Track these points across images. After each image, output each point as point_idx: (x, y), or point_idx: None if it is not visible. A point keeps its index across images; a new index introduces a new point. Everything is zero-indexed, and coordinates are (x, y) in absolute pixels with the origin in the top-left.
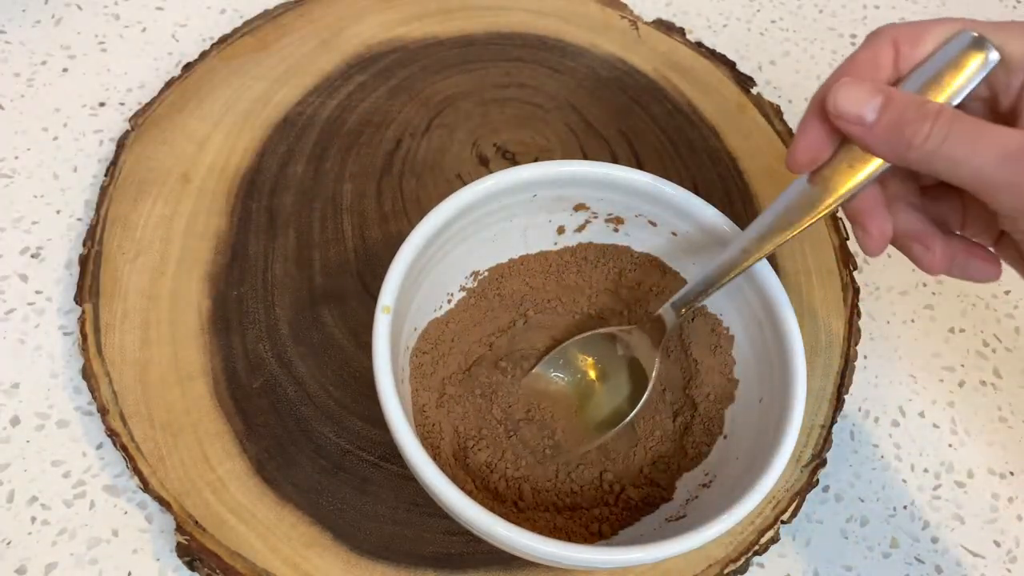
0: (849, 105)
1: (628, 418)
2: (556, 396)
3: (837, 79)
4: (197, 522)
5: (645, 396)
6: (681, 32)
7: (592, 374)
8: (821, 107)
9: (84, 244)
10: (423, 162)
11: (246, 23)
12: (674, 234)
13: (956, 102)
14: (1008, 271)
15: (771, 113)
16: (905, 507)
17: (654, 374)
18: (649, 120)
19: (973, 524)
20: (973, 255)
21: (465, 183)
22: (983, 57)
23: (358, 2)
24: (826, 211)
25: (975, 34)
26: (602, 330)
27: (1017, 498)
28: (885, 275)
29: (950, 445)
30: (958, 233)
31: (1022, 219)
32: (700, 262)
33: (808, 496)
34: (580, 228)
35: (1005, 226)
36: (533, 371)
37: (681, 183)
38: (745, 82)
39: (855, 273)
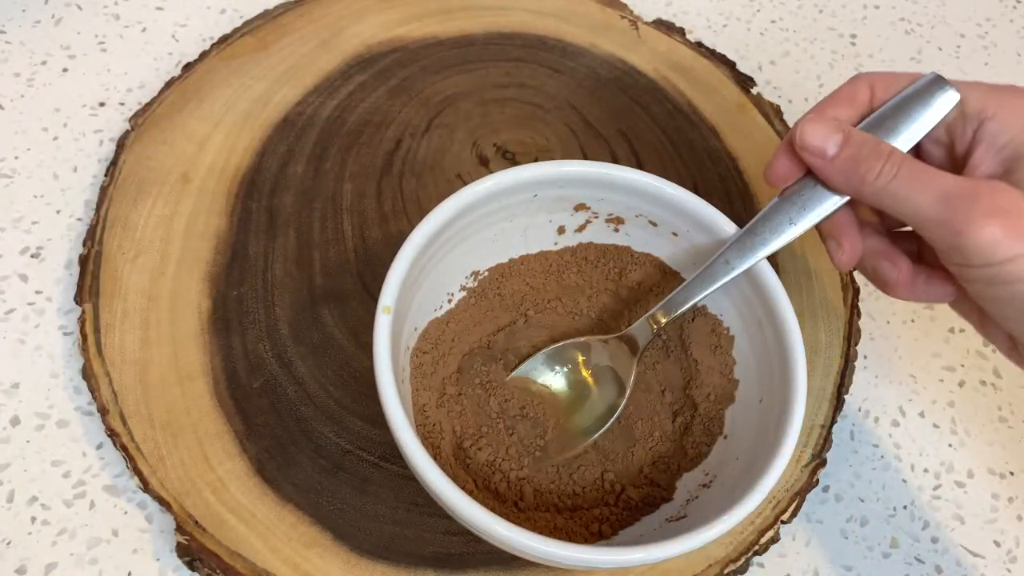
0: (813, 139)
1: (607, 425)
2: (544, 396)
3: (816, 111)
4: (197, 522)
5: (621, 406)
6: (681, 32)
7: (576, 380)
8: (792, 136)
9: (84, 244)
10: (423, 162)
11: (246, 23)
12: (674, 234)
13: (922, 132)
14: None
15: (771, 113)
16: (905, 507)
17: (631, 382)
18: (649, 120)
19: (973, 524)
20: (934, 276)
21: (465, 183)
22: (944, 94)
23: (358, 2)
24: (803, 231)
25: (939, 74)
26: (580, 339)
27: (1017, 498)
28: None
29: (950, 445)
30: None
31: (953, 254)
32: (700, 262)
33: (808, 496)
34: (580, 228)
35: (943, 260)
36: (516, 374)
37: (681, 183)
38: (745, 82)
39: (855, 273)
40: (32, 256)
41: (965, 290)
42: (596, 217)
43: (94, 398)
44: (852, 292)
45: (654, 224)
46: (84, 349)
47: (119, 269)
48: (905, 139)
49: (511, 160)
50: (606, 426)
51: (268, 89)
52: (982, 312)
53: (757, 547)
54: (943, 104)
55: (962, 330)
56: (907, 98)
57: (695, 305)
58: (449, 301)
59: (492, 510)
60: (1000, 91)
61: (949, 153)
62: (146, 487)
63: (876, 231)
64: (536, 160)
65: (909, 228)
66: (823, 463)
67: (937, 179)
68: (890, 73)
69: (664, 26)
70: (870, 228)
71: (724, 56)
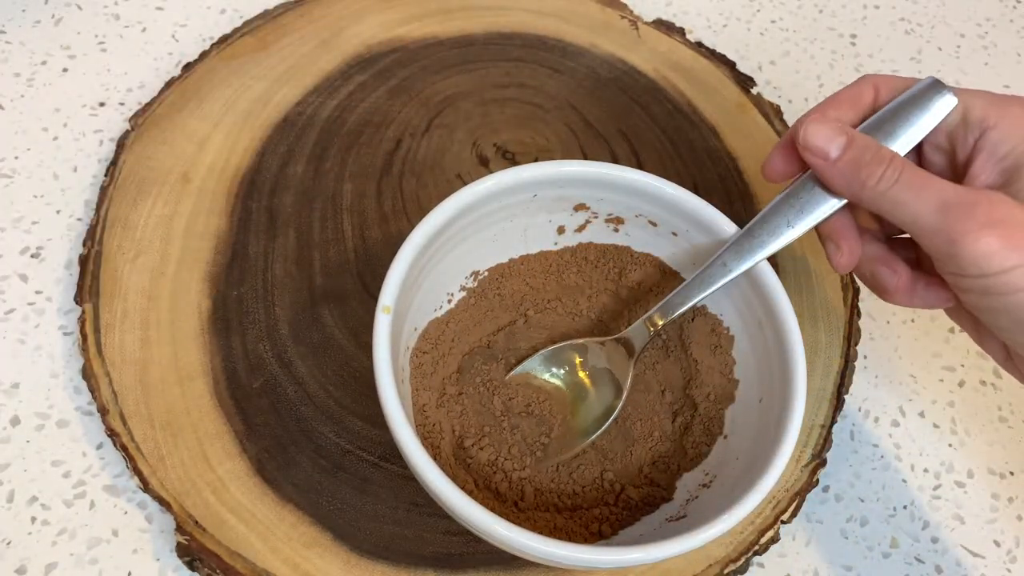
0: (815, 140)
1: (603, 427)
2: (550, 392)
3: (820, 110)
4: (197, 522)
5: (618, 408)
6: (681, 32)
7: (574, 382)
8: (794, 134)
9: (84, 244)
10: (423, 162)
11: (246, 23)
12: (674, 234)
13: (919, 136)
14: None
15: (771, 113)
16: (905, 507)
17: (628, 384)
18: (649, 120)
19: (973, 524)
20: (932, 283)
21: (465, 183)
22: (942, 98)
23: (358, 2)
24: (800, 234)
25: (937, 78)
26: (577, 341)
27: (1017, 498)
28: None
29: (950, 445)
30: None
31: (949, 263)
32: (700, 262)
33: (808, 496)
34: (580, 228)
35: (938, 268)
36: (516, 372)
37: (681, 183)
38: (745, 82)
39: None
40: (32, 256)
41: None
42: (596, 217)
43: (94, 398)
44: (852, 292)
45: (654, 224)
46: (84, 349)
47: (119, 269)
48: (903, 143)
49: (511, 160)
50: (602, 428)
51: (268, 89)
52: (977, 321)
53: (757, 547)
54: (941, 108)
55: (962, 330)
56: (905, 102)
57: (692, 307)
58: (449, 301)
59: (492, 510)
60: (1004, 101)
61: (950, 160)
62: (146, 487)
63: (875, 238)
64: (536, 160)
65: (908, 235)
66: (823, 463)
67: (937, 187)
68: (895, 76)
69: (664, 26)
70: (869, 235)
71: (724, 56)
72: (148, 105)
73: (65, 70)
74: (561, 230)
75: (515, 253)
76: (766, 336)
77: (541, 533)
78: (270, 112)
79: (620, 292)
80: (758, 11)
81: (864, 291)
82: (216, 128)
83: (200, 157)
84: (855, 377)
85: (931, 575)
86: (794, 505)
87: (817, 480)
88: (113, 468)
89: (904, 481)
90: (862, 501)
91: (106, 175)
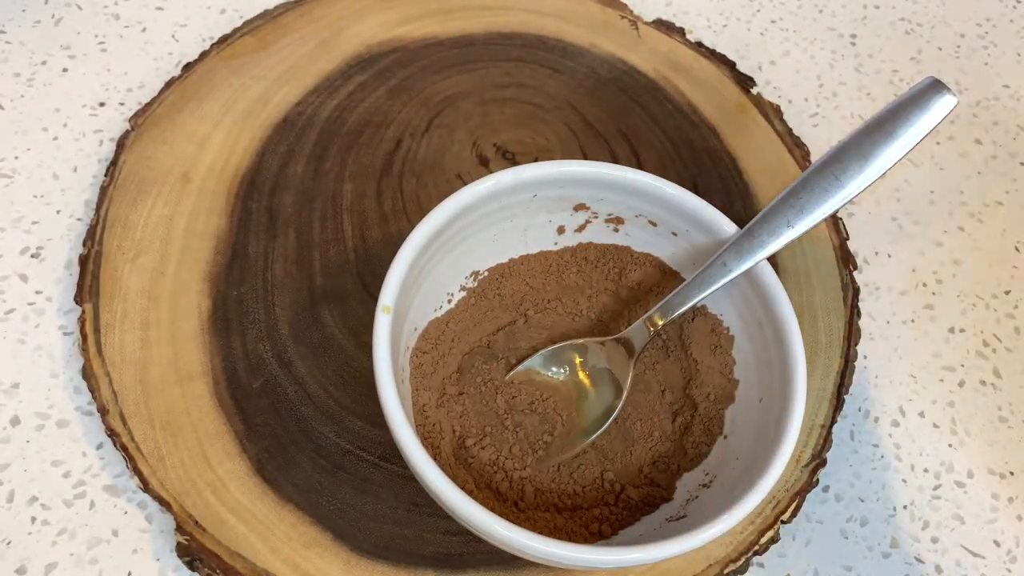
0: None
1: (603, 427)
2: (555, 389)
3: None
4: (197, 522)
5: (618, 408)
6: (681, 32)
7: (574, 382)
8: None
9: (84, 244)
10: (423, 162)
11: (246, 23)
12: (674, 234)
13: (919, 136)
14: (1008, 271)
15: (771, 113)
16: (905, 507)
17: (628, 384)
18: (649, 120)
19: (973, 524)
20: None
21: (465, 183)
22: (942, 98)
23: (358, 2)
24: (800, 234)
25: (937, 79)
26: (577, 341)
27: (1017, 498)
28: (885, 275)
29: (950, 445)
30: None
31: None
32: (700, 262)
33: (808, 496)
34: (580, 228)
35: None
36: (517, 371)
37: (681, 183)
38: (745, 82)
39: (855, 273)
40: (32, 256)
41: None
42: (596, 217)
43: (94, 398)
44: (852, 292)
45: (654, 224)
46: (84, 349)
47: (119, 269)
48: (902, 143)
49: (511, 160)
50: (602, 428)
51: (268, 89)
52: None
53: (757, 547)
54: (941, 108)
55: (962, 330)
56: (905, 102)
57: (692, 307)
58: (449, 301)
59: (492, 510)
60: None
61: None
62: (146, 487)
63: None
64: (536, 160)
65: None
66: (823, 463)
67: None
68: None
69: (664, 26)
70: None
71: (724, 56)
72: (148, 105)
73: (65, 70)
74: (561, 230)
75: (515, 253)
76: (766, 336)
77: (541, 533)
78: (270, 112)
79: (620, 292)
80: (758, 11)
81: (864, 291)
82: (216, 128)
83: (200, 157)
84: (855, 377)
85: (931, 575)
86: (794, 505)
87: (817, 480)
88: (113, 468)
89: (904, 481)
90: (862, 501)
91: (106, 175)
